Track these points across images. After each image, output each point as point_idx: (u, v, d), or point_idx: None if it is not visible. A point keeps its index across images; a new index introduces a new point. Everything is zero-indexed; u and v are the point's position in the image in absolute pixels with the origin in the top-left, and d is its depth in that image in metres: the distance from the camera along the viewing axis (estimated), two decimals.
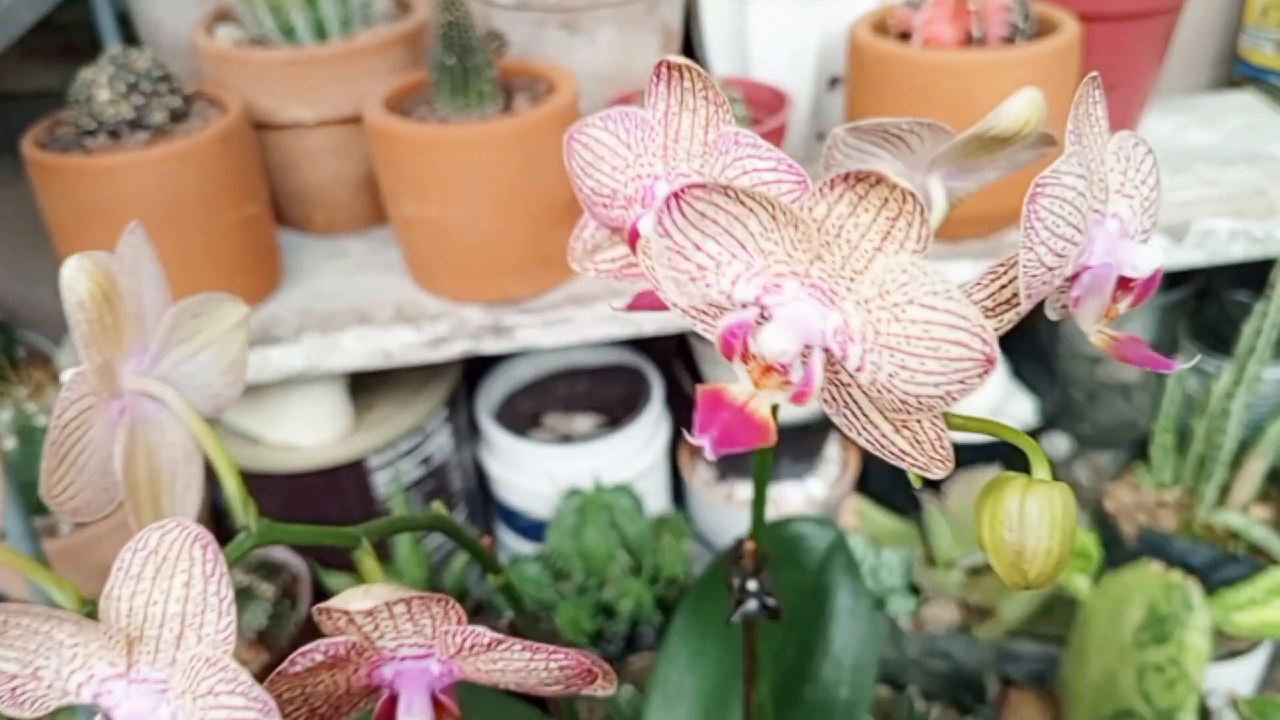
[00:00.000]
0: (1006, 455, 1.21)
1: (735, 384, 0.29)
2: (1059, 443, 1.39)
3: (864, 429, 0.32)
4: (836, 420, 0.32)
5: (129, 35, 1.09)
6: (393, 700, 0.35)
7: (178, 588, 0.30)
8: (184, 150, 0.83)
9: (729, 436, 0.28)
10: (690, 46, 1.08)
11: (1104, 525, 1.01)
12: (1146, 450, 1.23)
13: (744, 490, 1.27)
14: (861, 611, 0.73)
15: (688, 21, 1.06)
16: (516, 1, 0.93)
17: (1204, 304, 1.27)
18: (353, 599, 0.33)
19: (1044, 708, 1.03)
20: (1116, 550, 1.00)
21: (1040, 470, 0.34)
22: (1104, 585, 0.94)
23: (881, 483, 1.27)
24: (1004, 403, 1.31)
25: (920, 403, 0.29)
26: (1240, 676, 1.02)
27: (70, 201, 0.84)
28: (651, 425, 1.19)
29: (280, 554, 1.09)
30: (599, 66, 0.96)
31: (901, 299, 0.28)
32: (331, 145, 0.96)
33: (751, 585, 0.53)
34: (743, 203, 0.28)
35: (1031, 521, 0.33)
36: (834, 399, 0.32)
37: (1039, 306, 1.26)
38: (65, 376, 0.36)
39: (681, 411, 1.27)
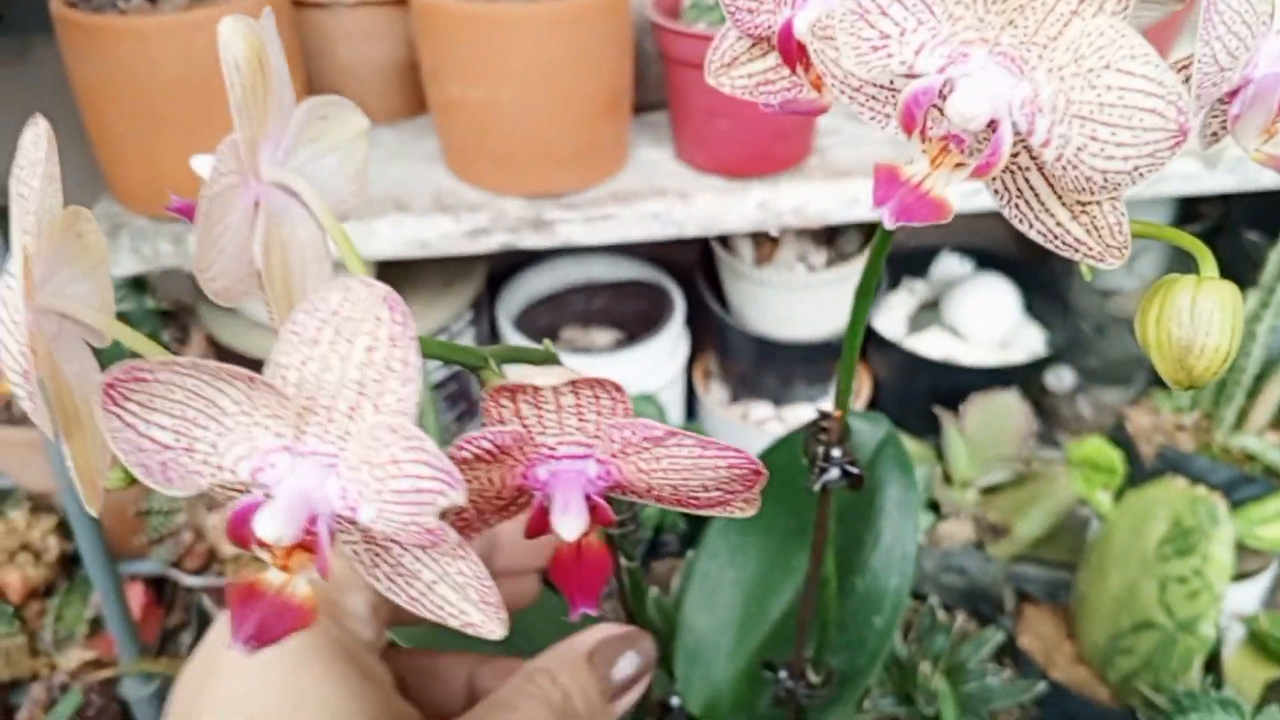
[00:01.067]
0: (1022, 380, 1.22)
1: (910, 164, 0.28)
2: (1065, 376, 1.40)
3: (1037, 217, 0.30)
4: (1007, 211, 0.31)
5: None
6: (543, 507, 0.33)
7: (359, 352, 0.27)
8: (225, 15, 0.80)
9: (907, 210, 0.28)
10: None
11: (1124, 445, 1.02)
12: (1149, 386, 1.25)
13: (758, 410, 1.26)
14: (910, 505, 0.73)
15: None
16: None
17: (1217, 241, 1.28)
18: (536, 376, 0.31)
19: (1058, 622, 1.04)
20: (1135, 470, 1.01)
21: (1209, 269, 0.34)
22: (1126, 500, 0.95)
23: (894, 404, 1.28)
24: (1015, 333, 1.32)
25: (1105, 180, 0.27)
26: (1246, 598, 1.04)
27: (103, 65, 0.80)
28: (672, 341, 1.18)
29: None
30: None
31: (1097, 64, 0.26)
32: (369, 28, 0.93)
33: (835, 453, 0.52)
34: None
35: (1203, 317, 0.33)
36: (1006, 187, 0.31)
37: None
38: (219, 146, 0.34)
39: (701, 329, 1.27)
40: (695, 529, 0.84)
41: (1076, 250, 0.31)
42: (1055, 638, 1.04)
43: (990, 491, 1.13)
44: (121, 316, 0.98)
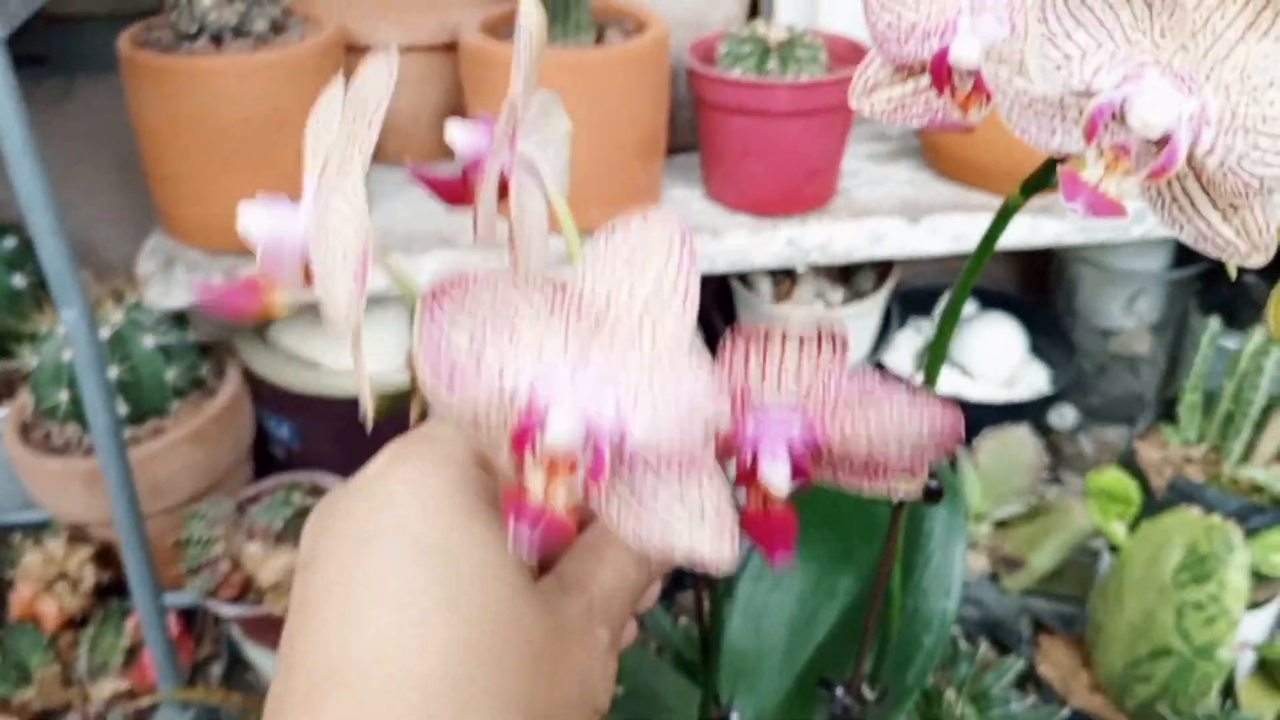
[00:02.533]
0: (1029, 417, 1.26)
1: (1089, 169, 0.32)
2: (1067, 414, 1.44)
3: (1190, 220, 0.34)
4: (1160, 214, 0.35)
5: None
6: (751, 459, 0.34)
7: (650, 276, 0.29)
8: (288, 59, 0.83)
9: (1093, 206, 0.32)
10: None
11: (1136, 477, 1.05)
12: (1144, 422, 1.28)
13: None
14: (958, 529, 0.76)
15: None
16: None
17: (1213, 281, 1.33)
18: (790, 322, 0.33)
19: (1073, 651, 1.07)
20: (1148, 501, 1.04)
21: None
22: (1142, 530, 0.98)
23: None
24: (1020, 371, 1.36)
25: (1262, 184, 0.32)
26: (1256, 626, 1.07)
27: (167, 104, 0.84)
28: None
29: (331, 482, 1.09)
30: (679, 11, 0.99)
31: (1262, 82, 0.31)
32: (416, 73, 0.97)
33: None
34: None
35: None
36: (1161, 193, 0.34)
37: (1059, 282, 1.30)
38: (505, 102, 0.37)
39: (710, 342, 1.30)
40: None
41: (1225, 250, 0.34)
42: (1072, 666, 1.07)
43: (1003, 525, 1.16)
44: (162, 349, 0.99)
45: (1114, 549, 1.04)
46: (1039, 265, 1.41)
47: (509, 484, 0.30)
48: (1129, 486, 0.99)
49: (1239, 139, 0.31)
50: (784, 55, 0.91)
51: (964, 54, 0.37)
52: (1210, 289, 1.34)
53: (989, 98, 0.36)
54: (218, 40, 0.84)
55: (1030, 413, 1.29)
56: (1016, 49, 0.34)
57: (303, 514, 1.01)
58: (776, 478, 0.33)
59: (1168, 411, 1.12)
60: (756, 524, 0.35)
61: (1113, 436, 1.44)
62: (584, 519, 0.38)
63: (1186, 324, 1.34)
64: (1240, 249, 0.34)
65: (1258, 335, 1.00)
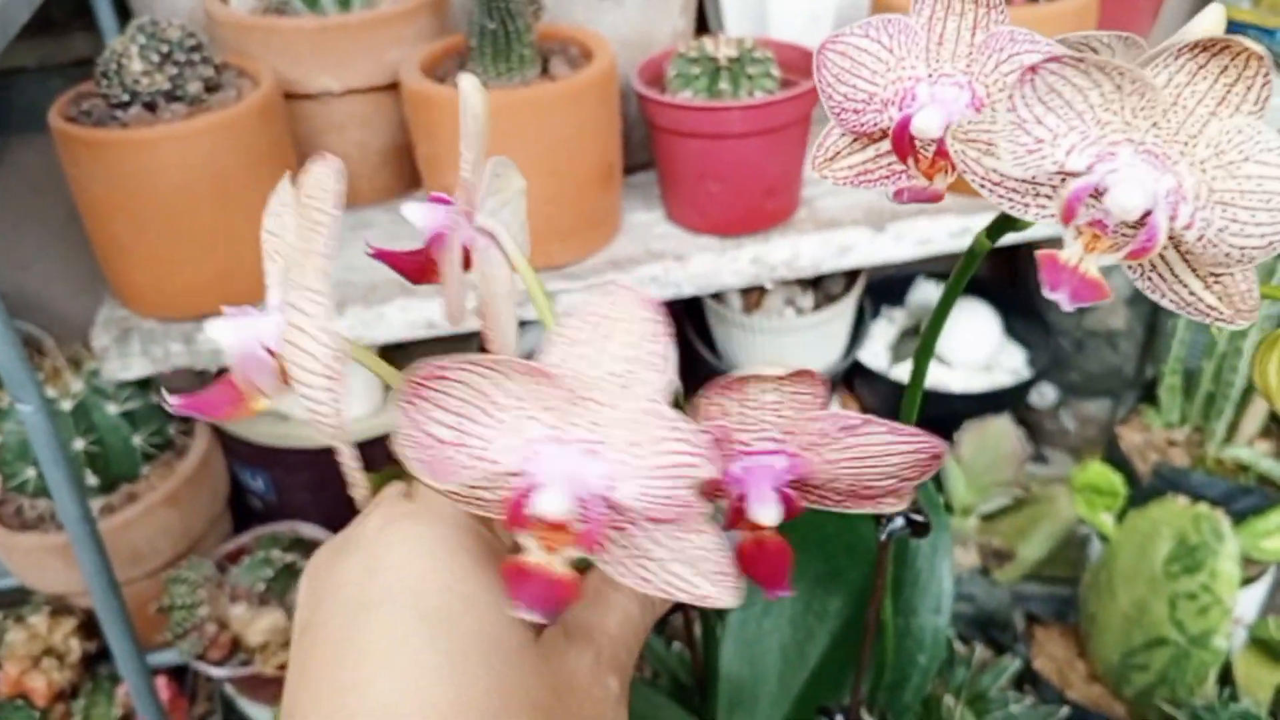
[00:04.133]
0: (1010, 402, 1.25)
1: (1064, 250, 0.32)
2: (1047, 393, 1.43)
3: (1170, 289, 0.34)
4: (1140, 284, 0.34)
5: (119, 6, 1.06)
6: (740, 500, 0.36)
7: (618, 348, 0.30)
8: (226, 121, 0.81)
9: (1078, 294, 0.31)
10: (703, 9, 1.09)
11: (1119, 464, 1.05)
12: (1125, 406, 1.28)
13: None
14: (943, 543, 0.75)
15: None
16: None
17: None
18: (765, 369, 0.34)
19: (1068, 642, 1.07)
20: (1133, 488, 1.04)
21: None
22: (1130, 521, 0.98)
23: None
24: (998, 355, 1.35)
25: (1243, 255, 0.31)
26: (1246, 603, 1.07)
27: (106, 176, 0.81)
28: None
29: (310, 531, 1.08)
30: (624, 30, 0.97)
31: (1237, 157, 0.30)
32: (359, 115, 0.95)
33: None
34: (1091, 74, 0.30)
35: None
36: (1141, 264, 0.34)
37: (1030, 262, 1.29)
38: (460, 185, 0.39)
39: (690, 376, 1.29)
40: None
41: (1208, 315, 0.34)
42: (1067, 657, 1.07)
43: (990, 518, 1.16)
44: (127, 415, 0.97)
45: (1103, 537, 1.04)
46: (1008, 248, 1.40)
47: (509, 559, 0.31)
48: (1114, 480, 0.99)
49: (1216, 213, 0.31)
50: (735, 73, 0.89)
51: (926, 125, 0.36)
52: None
53: (953, 166, 0.36)
54: (151, 107, 0.81)
55: (1010, 398, 1.28)
56: (983, 129, 0.34)
57: (285, 572, 0.99)
58: (767, 518, 0.34)
59: (1148, 394, 1.11)
60: (752, 560, 0.36)
61: (1093, 410, 1.44)
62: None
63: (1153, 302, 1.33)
64: (1225, 314, 0.34)
65: None
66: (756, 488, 0.35)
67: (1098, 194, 0.31)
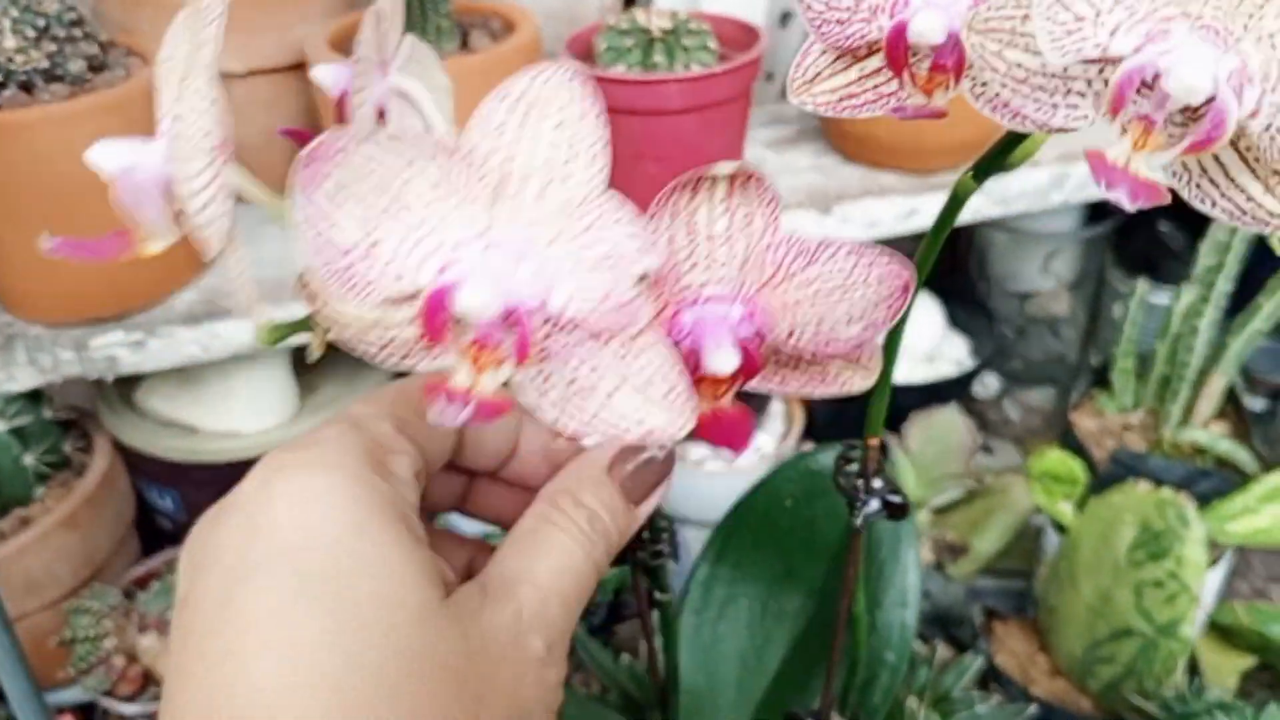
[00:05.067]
0: (956, 394, 1.22)
1: (1114, 147, 0.28)
2: (990, 383, 1.40)
3: (1224, 194, 0.30)
4: (1187, 191, 0.30)
5: None
6: (692, 357, 0.32)
7: (547, 132, 0.27)
8: (114, 102, 0.73)
9: (1136, 193, 0.28)
10: None
11: (1076, 451, 1.01)
12: (1078, 392, 1.25)
13: (694, 451, 1.23)
14: (906, 534, 0.71)
15: None
16: None
17: (1134, 236, 1.30)
18: (716, 167, 0.30)
19: (1028, 636, 1.03)
20: (1090, 474, 1.00)
21: None
22: (1091, 508, 0.94)
23: (830, 431, 1.26)
24: (941, 346, 1.32)
25: None
26: (1206, 589, 1.04)
27: None
28: None
29: None
30: (550, 3, 0.91)
31: None
32: (264, 98, 0.87)
33: (876, 483, 0.49)
34: None
35: None
36: (1188, 167, 0.30)
37: (970, 249, 1.25)
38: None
39: None
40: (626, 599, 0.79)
41: (1268, 224, 0.30)
42: (1028, 652, 1.03)
43: (942, 511, 1.12)
44: (16, 433, 0.89)
45: (1060, 528, 1.00)
46: (949, 236, 1.37)
47: (433, 377, 0.28)
48: (1073, 466, 0.95)
49: None
50: (670, 46, 0.83)
51: (927, 28, 0.32)
52: (1124, 243, 1.31)
53: (956, 77, 0.32)
54: (28, 88, 0.73)
55: (955, 389, 1.25)
56: (1006, 15, 0.30)
57: None
58: (724, 364, 0.31)
59: (1100, 379, 1.08)
60: (709, 428, 0.33)
61: (1037, 399, 1.41)
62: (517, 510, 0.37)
63: (1104, 280, 1.31)
64: None
65: (1187, 295, 0.96)
66: (711, 335, 0.31)
67: (1146, 84, 0.27)
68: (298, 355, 0.98)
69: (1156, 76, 0.27)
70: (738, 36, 0.89)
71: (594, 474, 0.37)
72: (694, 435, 0.33)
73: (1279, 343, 1.19)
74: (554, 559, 0.34)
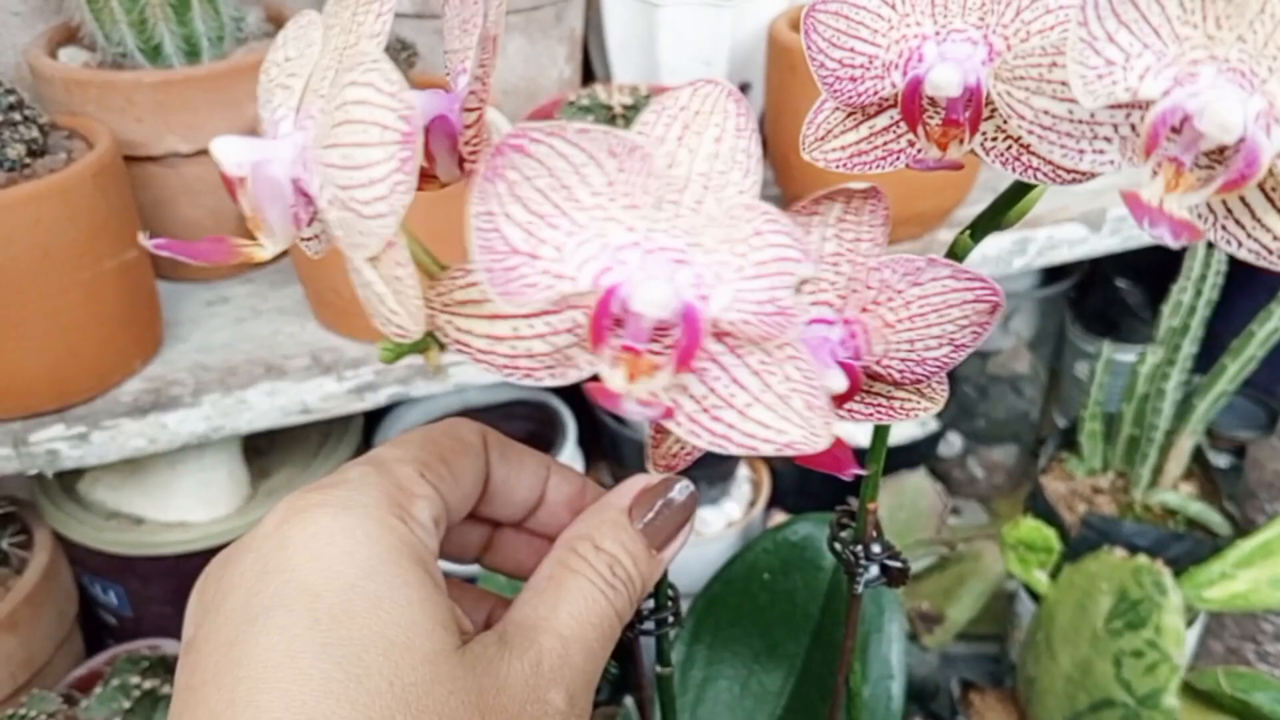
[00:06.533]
0: (923, 456, 1.21)
1: (1147, 189, 0.28)
2: (953, 441, 1.40)
3: (1250, 235, 0.30)
4: (1213, 234, 0.30)
5: None
6: None
7: (707, 144, 0.28)
8: (54, 188, 0.70)
9: (1176, 231, 0.28)
10: (588, 55, 1.02)
11: (1046, 516, 1.00)
12: (1031, 442, 1.25)
13: None
14: (891, 604, 0.69)
15: (585, 30, 1.00)
16: (419, 9, 0.85)
17: (1092, 293, 1.30)
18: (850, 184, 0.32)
19: (1007, 707, 1.01)
20: (1062, 539, 0.99)
21: None
22: (1066, 577, 0.93)
23: (797, 497, 1.24)
24: None
25: None
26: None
27: None
28: (567, 459, 1.11)
29: (173, 648, 0.95)
30: (509, 78, 0.89)
31: None
32: (212, 178, 0.84)
33: (876, 549, 0.47)
34: None
35: None
36: (1213, 210, 0.30)
37: None
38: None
39: (593, 442, 1.21)
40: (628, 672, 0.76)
41: None
42: None
43: (915, 579, 1.10)
44: None
45: (1034, 594, 0.99)
46: None
47: (591, 384, 0.28)
48: (1047, 535, 0.94)
49: None
50: (631, 120, 0.82)
51: (944, 81, 0.32)
52: (1083, 301, 1.31)
53: (972, 130, 0.33)
54: None
55: (921, 450, 1.24)
56: (1032, 63, 0.31)
57: (145, 701, 0.87)
58: (835, 385, 0.32)
59: (1068, 441, 1.07)
60: (817, 457, 0.32)
61: (1000, 456, 1.41)
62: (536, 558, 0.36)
63: (1064, 337, 1.31)
64: None
65: (1152, 356, 0.96)
66: (818, 357, 0.32)
67: (1174, 128, 0.28)
68: (248, 441, 0.94)
69: (1185, 119, 0.27)
70: None
71: (613, 517, 0.36)
72: (799, 462, 0.33)
73: (1241, 399, 1.19)
74: (576, 606, 0.33)
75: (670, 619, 0.47)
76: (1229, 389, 0.95)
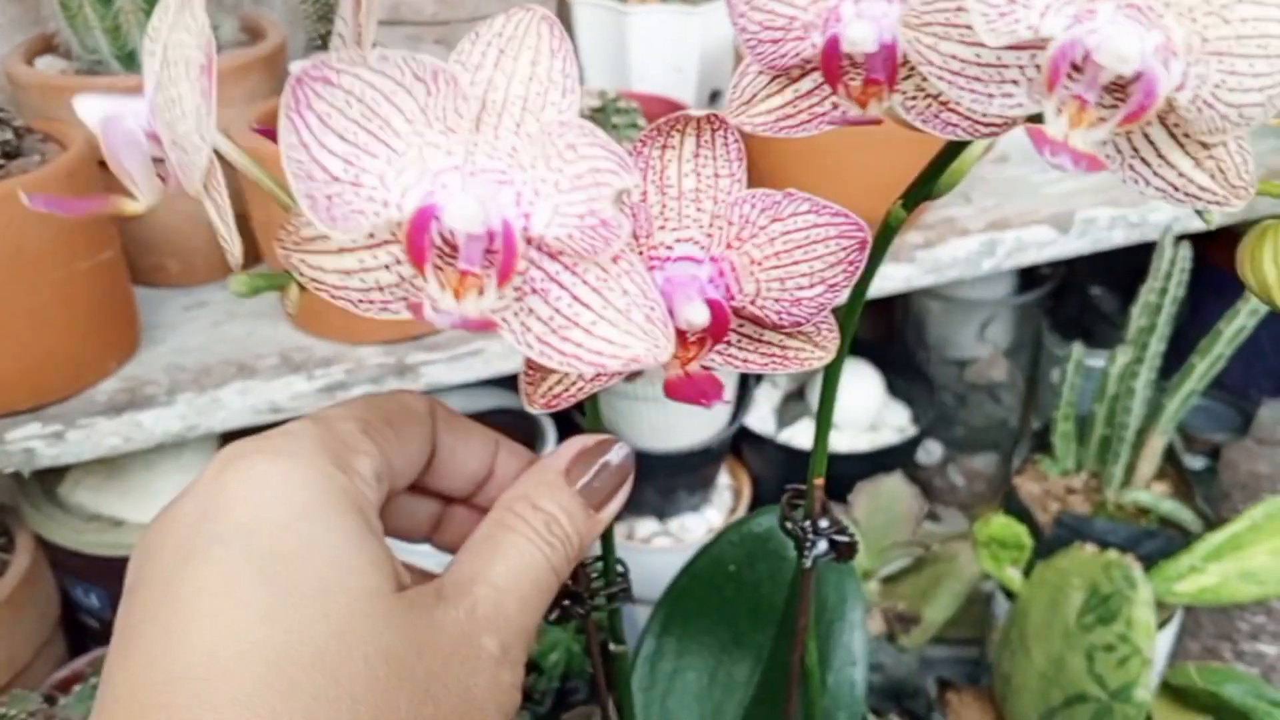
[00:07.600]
0: (900, 462, 1.21)
1: (1051, 125, 0.29)
2: (933, 449, 1.40)
3: (1156, 172, 0.31)
4: (1123, 173, 0.32)
5: None
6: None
7: (523, 67, 0.29)
8: (27, 188, 0.71)
9: (1077, 161, 0.29)
10: None
11: (1020, 515, 1.01)
12: (1019, 456, 1.25)
13: (643, 527, 1.21)
14: (852, 593, 0.69)
15: None
16: (389, 15, 0.87)
17: (1066, 300, 1.31)
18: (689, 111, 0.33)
19: (983, 705, 1.02)
20: (1035, 538, 1.00)
21: None
22: (1038, 574, 0.93)
23: (775, 501, 1.25)
24: (882, 414, 1.31)
25: (1240, 115, 0.29)
26: (1156, 650, 1.03)
27: None
28: None
29: None
30: None
31: None
32: None
33: (823, 523, 0.48)
34: None
35: None
36: (1120, 149, 0.31)
37: (907, 318, 1.25)
38: None
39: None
40: (638, 649, 0.77)
41: (1200, 198, 0.32)
42: None
43: (891, 580, 1.11)
44: None
45: (1009, 594, 0.99)
46: (885, 305, 1.38)
47: (413, 297, 0.29)
48: (1019, 532, 0.95)
49: (1212, 66, 0.29)
50: (599, 125, 0.83)
51: (860, 37, 0.33)
52: (1058, 308, 1.32)
53: (890, 87, 0.34)
54: None
55: (899, 456, 1.25)
56: (939, 9, 0.31)
57: None
58: (696, 317, 0.32)
59: (1041, 443, 1.08)
60: (680, 387, 0.34)
61: (980, 465, 1.41)
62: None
63: (1041, 345, 1.32)
64: (1218, 194, 0.31)
65: (1122, 356, 0.96)
66: (682, 290, 0.33)
67: (1076, 66, 0.29)
68: (225, 440, 0.95)
69: (1086, 56, 0.28)
70: (664, 114, 0.89)
71: (550, 479, 0.37)
72: (666, 394, 0.34)
73: (1215, 401, 1.20)
74: (511, 560, 0.34)
75: (620, 594, 0.48)
76: (1198, 388, 0.96)
